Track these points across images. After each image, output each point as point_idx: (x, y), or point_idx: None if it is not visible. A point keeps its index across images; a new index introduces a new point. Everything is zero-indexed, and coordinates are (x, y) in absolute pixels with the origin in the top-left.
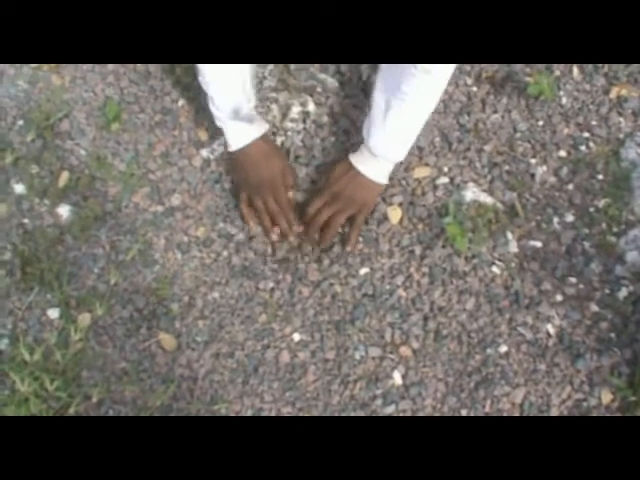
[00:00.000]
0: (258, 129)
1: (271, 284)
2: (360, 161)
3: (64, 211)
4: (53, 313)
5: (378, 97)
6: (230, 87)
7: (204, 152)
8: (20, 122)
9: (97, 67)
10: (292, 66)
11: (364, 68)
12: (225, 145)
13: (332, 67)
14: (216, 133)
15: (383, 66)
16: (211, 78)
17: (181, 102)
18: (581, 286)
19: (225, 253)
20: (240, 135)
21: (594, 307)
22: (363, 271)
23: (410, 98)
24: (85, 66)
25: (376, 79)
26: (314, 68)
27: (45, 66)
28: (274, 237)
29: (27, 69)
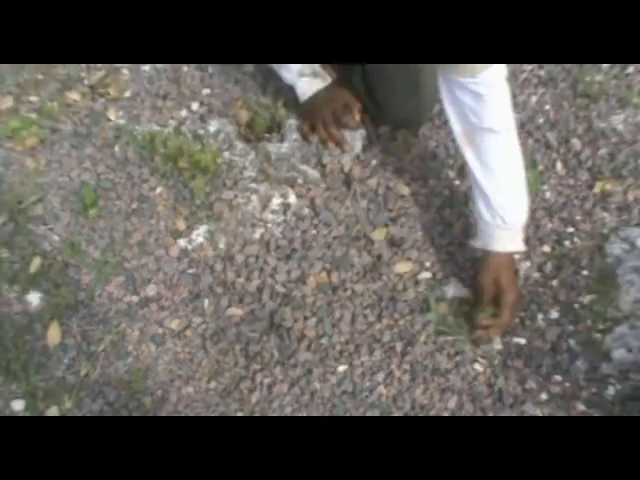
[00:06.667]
0: (323, 81)
1: (248, 381)
2: (501, 243)
3: (34, 298)
4: (18, 405)
5: (474, 173)
6: None
7: (181, 242)
8: None
9: (73, 151)
10: (273, 156)
11: (346, 161)
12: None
13: (314, 159)
14: (195, 223)
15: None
16: None
17: (159, 190)
18: (567, 384)
19: (200, 347)
20: (306, 88)
21: (581, 406)
22: (342, 368)
23: (496, 163)
24: (61, 150)
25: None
26: (295, 159)
27: (19, 147)
28: (331, 146)
29: (1, 150)
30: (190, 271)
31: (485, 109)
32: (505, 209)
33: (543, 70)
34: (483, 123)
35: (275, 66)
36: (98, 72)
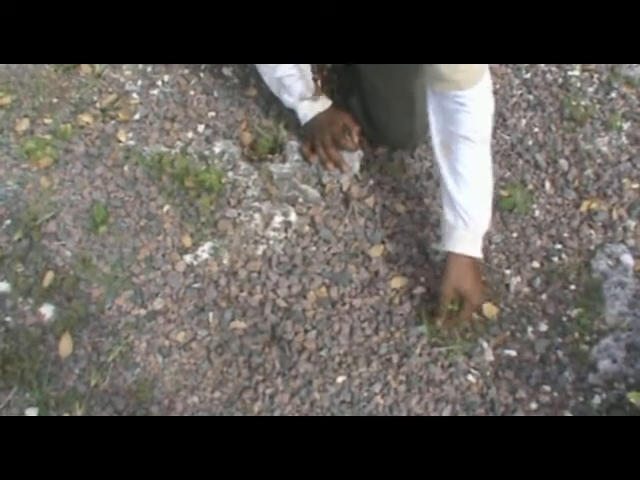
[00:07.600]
0: (322, 104)
1: (251, 391)
2: (461, 245)
3: (47, 311)
4: (31, 412)
5: (445, 181)
6: (295, 77)
7: (187, 258)
8: (7, 221)
9: (85, 171)
10: (275, 176)
11: (344, 180)
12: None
13: (314, 179)
14: (200, 240)
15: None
16: (283, 73)
17: (166, 208)
18: (555, 394)
19: (205, 358)
20: (307, 111)
21: (568, 415)
22: (340, 379)
23: (467, 170)
24: (74, 169)
25: (439, 171)
26: (296, 179)
27: (35, 167)
28: (330, 167)
29: (17, 170)
30: (195, 286)
31: (465, 118)
32: (468, 213)
33: (532, 95)
34: (460, 130)
35: (277, 90)
36: (109, 96)
